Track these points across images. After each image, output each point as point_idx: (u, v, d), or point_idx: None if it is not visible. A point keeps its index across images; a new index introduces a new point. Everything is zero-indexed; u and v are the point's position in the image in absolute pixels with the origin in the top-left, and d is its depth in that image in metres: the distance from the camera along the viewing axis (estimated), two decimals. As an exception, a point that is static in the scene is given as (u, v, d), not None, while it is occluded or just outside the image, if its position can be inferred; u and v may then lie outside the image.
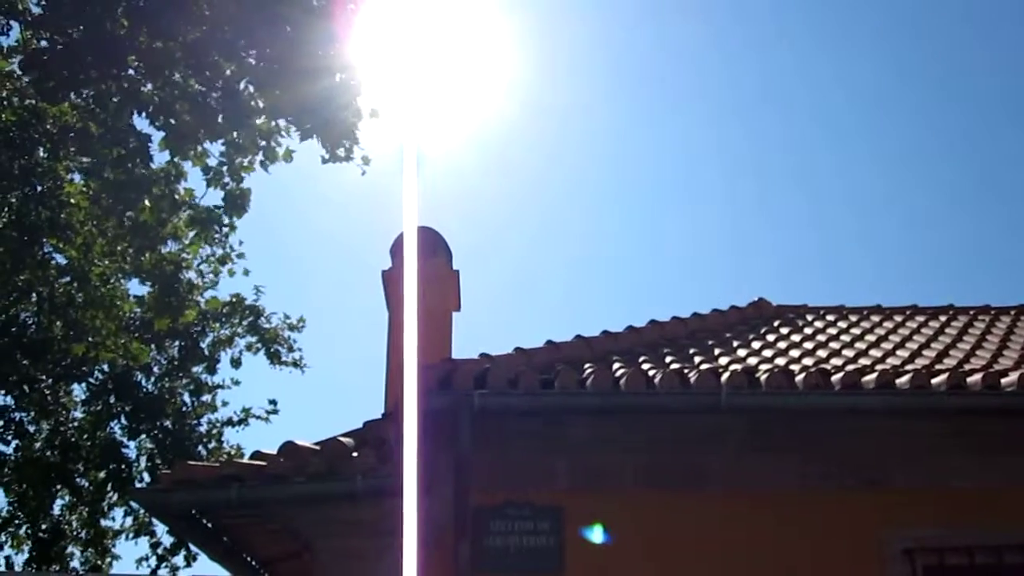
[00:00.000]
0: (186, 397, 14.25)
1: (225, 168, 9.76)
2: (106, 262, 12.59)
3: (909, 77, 23.08)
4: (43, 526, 13.73)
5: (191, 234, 11.32)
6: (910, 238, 24.16)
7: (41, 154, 10.65)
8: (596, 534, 6.74)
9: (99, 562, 14.05)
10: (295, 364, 14.42)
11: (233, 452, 14.01)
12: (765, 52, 23.07)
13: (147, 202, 9.67)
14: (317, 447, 7.16)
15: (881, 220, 24.39)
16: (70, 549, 14.17)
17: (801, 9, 22.69)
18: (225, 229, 11.77)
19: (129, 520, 13.98)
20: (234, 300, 14.32)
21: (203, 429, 14.13)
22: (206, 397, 14.20)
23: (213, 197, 10.73)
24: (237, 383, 14.48)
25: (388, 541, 6.28)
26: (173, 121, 8.01)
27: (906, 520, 6.74)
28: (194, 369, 14.31)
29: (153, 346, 13.75)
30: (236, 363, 14.49)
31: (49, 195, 10.88)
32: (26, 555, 13.73)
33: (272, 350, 14.26)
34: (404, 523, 6.18)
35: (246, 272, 13.86)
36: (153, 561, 13.95)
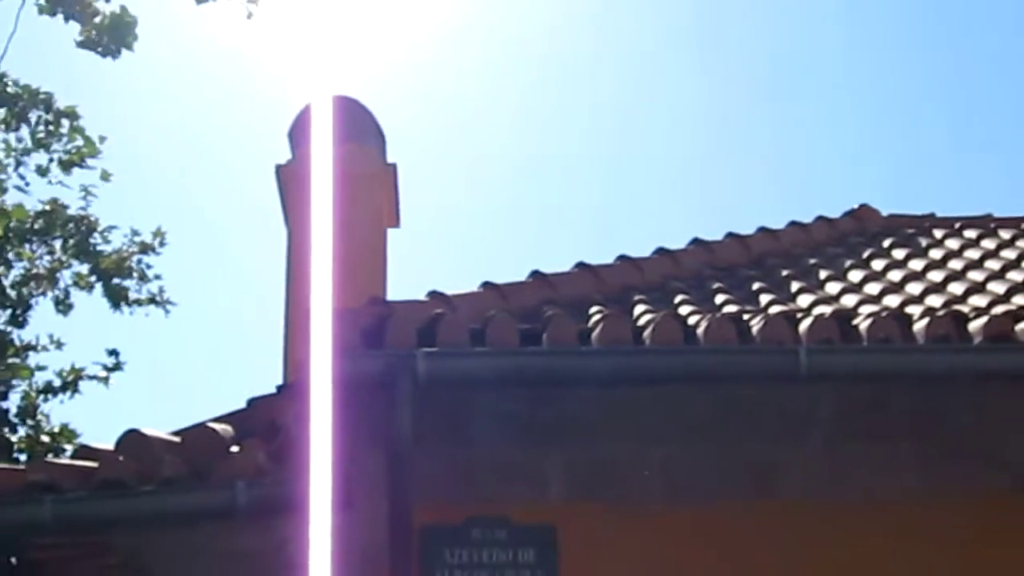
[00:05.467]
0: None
1: None
2: None
3: None
4: None
5: None
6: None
7: None
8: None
9: None
10: (153, 301, 14.40)
11: (58, 433, 14.02)
12: None
13: None
14: (176, 439, 7.16)
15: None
16: None
17: None
18: (43, 115, 12.21)
19: None
20: (50, 208, 14.25)
21: (9, 405, 14.09)
22: (13, 361, 14.14)
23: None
24: (60, 346, 14.45)
25: (286, 581, 6.31)
26: None
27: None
28: None
29: None
30: (63, 306, 14.50)
31: None
32: None
33: (114, 286, 14.22)
34: (311, 554, 6.18)
35: (105, 176, 13.95)
36: None
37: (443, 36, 21.66)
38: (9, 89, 12.80)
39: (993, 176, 23.82)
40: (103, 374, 14.39)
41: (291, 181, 8.70)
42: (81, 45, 10.46)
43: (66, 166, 13.91)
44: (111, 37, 10.89)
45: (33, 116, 13.16)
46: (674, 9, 22.63)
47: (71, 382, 14.28)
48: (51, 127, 13.43)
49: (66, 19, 9.96)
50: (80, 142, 13.84)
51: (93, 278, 14.32)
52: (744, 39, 23.24)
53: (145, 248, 14.46)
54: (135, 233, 14.52)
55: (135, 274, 14.36)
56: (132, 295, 14.34)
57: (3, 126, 13.18)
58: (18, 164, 13.92)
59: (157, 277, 14.48)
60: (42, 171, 13.99)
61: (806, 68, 23.73)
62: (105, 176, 14.06)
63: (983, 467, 6.97)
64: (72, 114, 13.62)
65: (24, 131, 13.47)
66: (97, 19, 10.53)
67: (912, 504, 6.93)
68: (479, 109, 22.58)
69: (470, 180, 22.83)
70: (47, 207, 14.23)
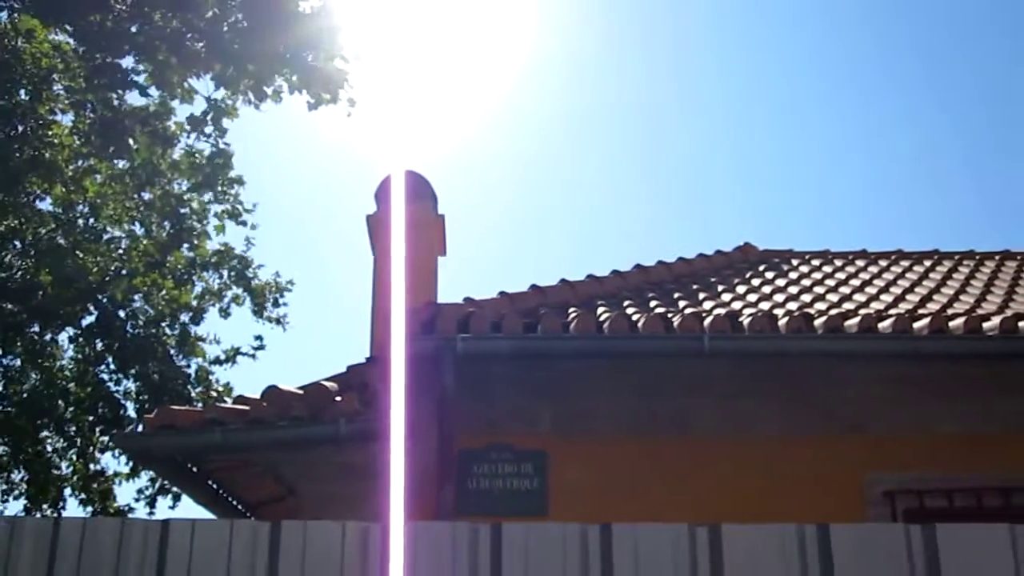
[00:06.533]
0: (172, 344, 14.10)
1: (209, 116, 9.90)
2: (110, 205, 12.66)
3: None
4: (36, 471, 13.56)
5: (194, 185, 12.07)
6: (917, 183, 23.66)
7: (23, 95, 10.40)
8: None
9: (99, 507, 13.92)
10: (277, 321, 14.33)
11: (222, 389, 13.93)
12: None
13: (136, 138, 9.65)
14: (300, 391, 7.09)
15: (888, 163, 23.80)
16: (66, 494, 14.05)
17: None
18: (234, 187, 12.25)
19: (126, 462, 13.81)
20: (223, 249, 14.21)
21: (191, 371, 13.99)
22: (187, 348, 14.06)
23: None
24: (218, 341, 14.40)
25: (372, 484, 6.15)
26: (159, 58, 8.07)
27: (887, 464, 6.72)
28: (181, 319, 14.15)
29: (141, 294, 13.59)
30: (225, 313, 14.41)
31: (32, 136, 10.62)
32: (21, 501, 13.59)
33: (258, 303, 14.17)
34: (388, 466, 6.01)
35: (253, 227, 13.96)
36: (151, 492, 13.84)
37: (473, 130, 21.72)
38: (198, 160, 12.66)
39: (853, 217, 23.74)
40: (252, 352, 14.37)
41: (376, 226, 8.48)
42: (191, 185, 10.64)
43: (231, 215, 13.85)
44: (207, 176, 11.02)
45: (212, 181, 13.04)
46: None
47: (232, 356, 14.20)
48: (225, 189, 13.32)
49: (195, 138, 10.23)
50: (238, 197, 13.79)
51: (246, 296, 14.28)
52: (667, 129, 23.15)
53: (280, 288, 14.39)
54: (277, 275, 14.51)
55: (271, 298, 14.30)
56: (268, 313, 14.29)
57: (196, 188, 13.08)
58: (202, 217, 13.85)
59: (286, 304, 14.45)
60: (218, 229, 14.02)
61: (689, 147, 23.60)
62: (251, 226, 14.08)
63: (824, 417, 6.88)
64: (239, 181, 13.62)
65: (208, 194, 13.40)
66: (206, 152, 10.58)
67: (776, 441, 6.84)
68: (496, 178, 22.60)
69: (491, 225, 22.82)
70: (221, 248, 14.21)
